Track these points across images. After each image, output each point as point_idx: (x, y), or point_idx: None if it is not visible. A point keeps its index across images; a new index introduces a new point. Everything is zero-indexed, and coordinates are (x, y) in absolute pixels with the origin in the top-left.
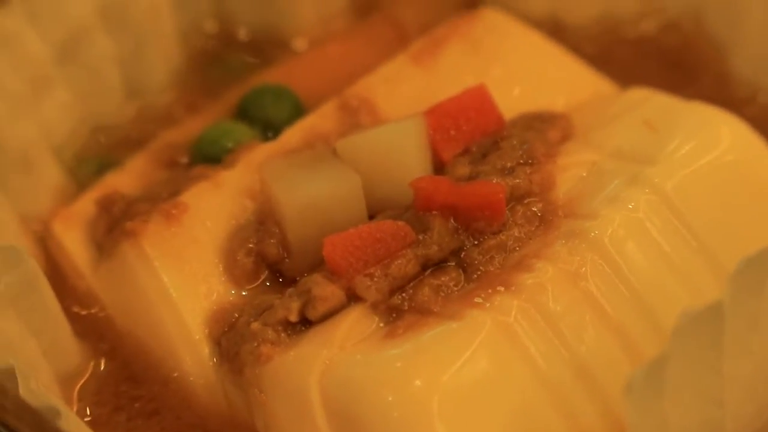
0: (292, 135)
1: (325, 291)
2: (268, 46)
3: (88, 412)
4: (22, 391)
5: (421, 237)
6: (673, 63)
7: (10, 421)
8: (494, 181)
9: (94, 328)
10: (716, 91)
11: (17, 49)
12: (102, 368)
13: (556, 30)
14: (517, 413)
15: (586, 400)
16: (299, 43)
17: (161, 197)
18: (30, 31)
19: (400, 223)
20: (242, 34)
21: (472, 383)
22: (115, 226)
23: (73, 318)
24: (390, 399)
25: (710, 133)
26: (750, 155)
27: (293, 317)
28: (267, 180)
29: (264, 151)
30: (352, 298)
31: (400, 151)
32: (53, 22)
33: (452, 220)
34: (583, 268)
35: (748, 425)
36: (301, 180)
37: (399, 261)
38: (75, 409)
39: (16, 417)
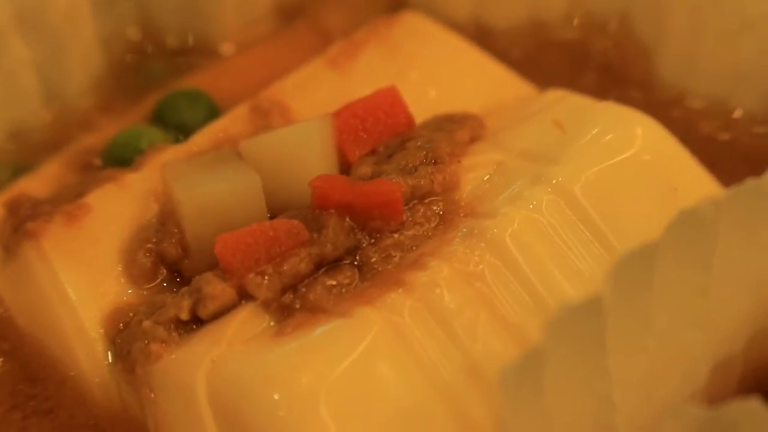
0: (202, 137)
1: (216, 289)
2: (192, 52)
3: None
4: None
5: (316, 236)
6: (600, 66)
7: None
8: (393, 180)
9: None
10: (643, 94)
11: None
12: (1, 367)
13: (481, 34)
14: (406, 413)
15: (478, 399)
16: (224, 49)
17: (66, 199)
18: None
19: (294, 221)
20: (166, 40)
21: (360, 382)
22: (19, 227)
23: None
24: (276, 397)
25: (622, 133)
26: (663, 155)
27: (184, 315)
28: (168, 180)
29: (172, 153)
30: (244, 296)
31: (303, 150)
32: None
33: (348, 219)
34: (480, 267)
35: (643, 428)
36: (200, 180)
37: (292, 259)
38: None
39: None
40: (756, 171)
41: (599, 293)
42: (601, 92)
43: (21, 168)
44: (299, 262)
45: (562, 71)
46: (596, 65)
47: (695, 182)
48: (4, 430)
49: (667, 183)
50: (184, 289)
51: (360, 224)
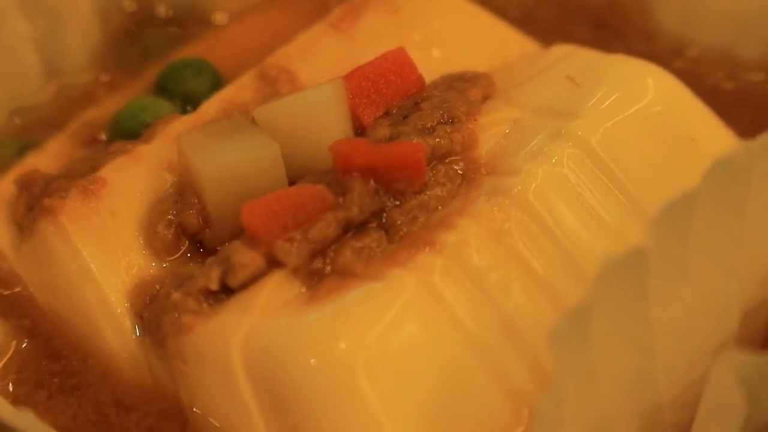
0: (211, 106)
1: (245, 258)
2: (188, 22)
3: (11, 390)
4: None
5: (341, 200)
6: (599, 21)
7: None
8: (414, 141)
9: (17, 307)
10: (644, 47)
11: None
12: (24, 346)
13: None
14: (444, 372)
15: (515, 357)
16: (219, 18)
17: (80, 174)
18: None
19: (319, 186)
20: (161, 10)
21: (397, 344)
22: (34, 204)
23: None
24: (314, 363)
25: (635, 85)
26: (676, 105)
27: (214, 285)
28: (184, 150)
29: (182, 123)
30: (273, 263)
31: (318, 115)
32: None
33: (372, 182)
34: (507, 224)
35: (681, 378)
36: (217, 148)
37: (319, 224)
38: None
39: None
40: (762, 119)
41: (643, 245)
42: (602, 46)
43: (26, 145)
44: (326, 227)
45: (561, 27)
46: (594, 20)
47: (711, 131)
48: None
49: (683, 133)
50: (211, 258)
51: (384, 186)
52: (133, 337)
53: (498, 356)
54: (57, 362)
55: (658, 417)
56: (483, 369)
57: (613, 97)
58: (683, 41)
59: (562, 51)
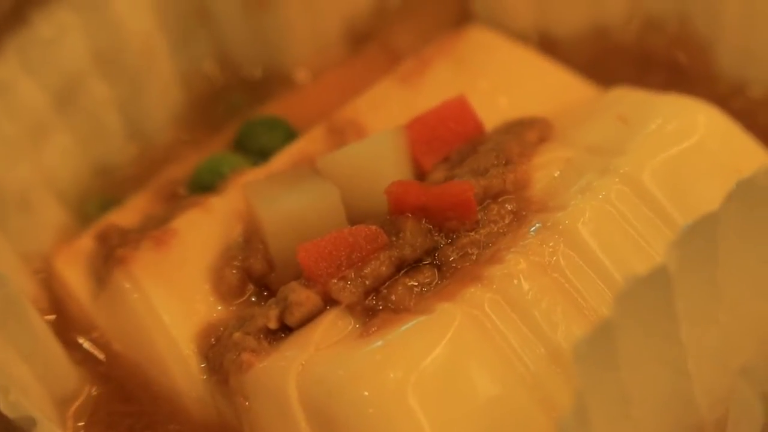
0: (281, 159)
1: (301, 296)
2: (269, 81)
3: (84, 430)
4: (2, 405)
5: (394, 239)
6: (663, 66)
7: None
8: (465, 181)
9: (93, 355)
10: (705, 88)
11: (12, 97)
12: (98, 390)
13: (545, 43)
14: (492, 401)
15: (562, 385)
16: (301, 75)
17: (153, 226)
18: (25, 80)
19: (372, 226)
20: (242, 71)
21: (445, 374)
22: (110, 256)
23: (74, 347)
24: (365, 394)
25: (683, 122)
26: (727, 142)
27: (272, 324)
28: (249, 198)
29: (253, 175)
30: (329, 302)
31: (378, 161)
32: (48, 70)
33: (425, 221)
34: (555, 258)
35: (723, 400)
36: (279, 195)
37: (373, 263)
38: (70, 429)
39: None
40: None
41: (664, 264)
42: (664, 89)
43: (108, 202)
44: (380, 266)
45: (627, 74)
46: (659, 65)
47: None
48: None
49: (732, 167)
50: (272, 299)
51: (436, 225)
52: (200, 377)
53: (545, 384)
54: (129, 404)
55: None
56: (530, 396)
57: (661, 133)
58: (743, 81)
59: (618, 93)
